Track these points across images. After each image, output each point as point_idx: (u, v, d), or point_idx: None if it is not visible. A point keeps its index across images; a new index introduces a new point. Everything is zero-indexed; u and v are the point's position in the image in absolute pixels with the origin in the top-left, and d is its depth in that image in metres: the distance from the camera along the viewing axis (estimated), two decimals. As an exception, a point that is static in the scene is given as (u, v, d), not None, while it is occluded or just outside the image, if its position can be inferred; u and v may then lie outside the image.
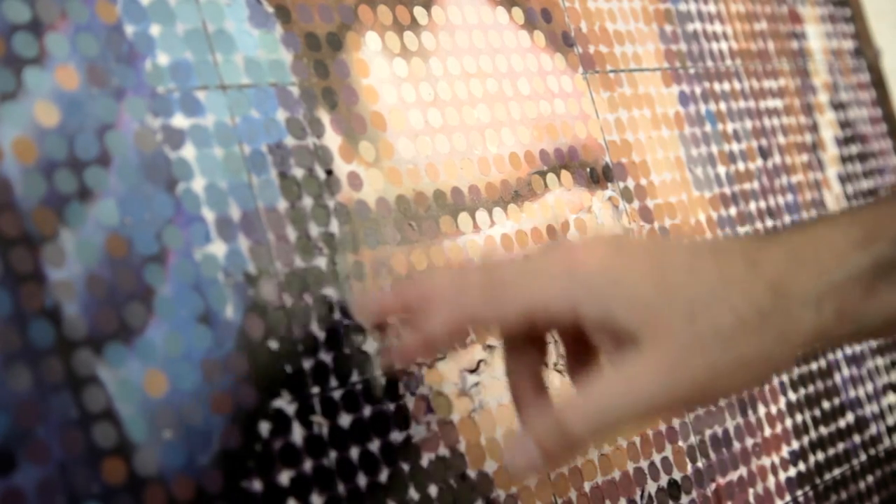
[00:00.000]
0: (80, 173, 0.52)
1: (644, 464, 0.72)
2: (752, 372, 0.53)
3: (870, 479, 0.89)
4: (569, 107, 0.76)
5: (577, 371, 0.56)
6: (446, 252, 0.66)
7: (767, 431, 0.82)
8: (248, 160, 0.58)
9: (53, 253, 0.50)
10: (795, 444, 0.84)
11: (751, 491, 0.79)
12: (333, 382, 0.58)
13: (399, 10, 0.68)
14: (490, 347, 0.64)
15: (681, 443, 0.75)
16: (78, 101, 0.53)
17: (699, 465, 0.76)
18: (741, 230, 0.86)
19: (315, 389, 0.58)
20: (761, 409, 0.82)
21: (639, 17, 0.84)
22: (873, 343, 0.95)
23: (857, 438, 0.90)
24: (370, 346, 0.60)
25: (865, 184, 1.01)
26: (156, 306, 0.53)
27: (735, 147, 0.88)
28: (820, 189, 0.96)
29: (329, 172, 0.62)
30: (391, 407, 0.60)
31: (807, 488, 0.83)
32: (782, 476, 0.82)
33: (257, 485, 0.54)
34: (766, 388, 0.83)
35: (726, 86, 0.90)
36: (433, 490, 0.61)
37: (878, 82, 1.07)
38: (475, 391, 0.64)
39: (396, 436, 0.60)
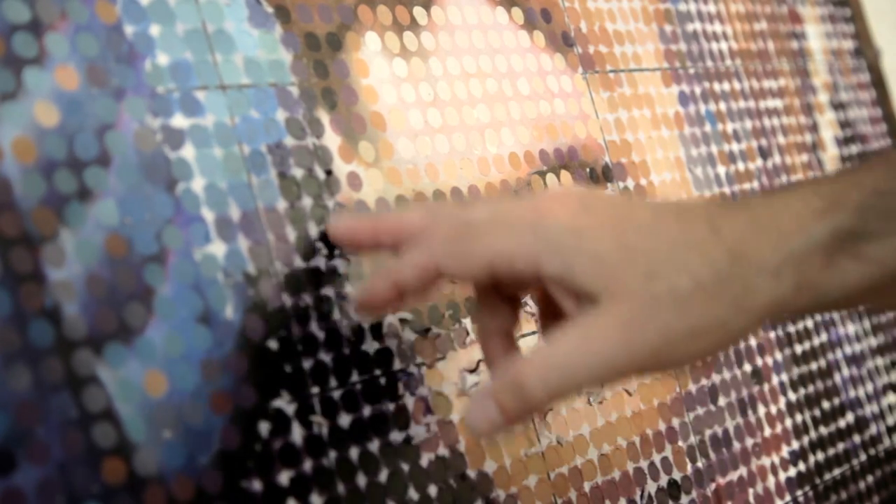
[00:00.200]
0: (79, 173, 0.52)
1: (644, 464, 0.72)
2: (707, 339, 0.52)
3: (870, 479, 0.89)
4: (568, 107, 0.76)
5: (548, 328, 0.56)
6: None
7: (767, 431, 0.82)
8: (248, 160, 0.58)
9: (53, 253, 0.50)
10: (795, 444, 0.84)
11: (751, 491, 0.79)
12: (333, 382, 0.59)
13: (399, 11, 0.68)
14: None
15: (681, 443, 0.75)
16: (78, 101, 0.53)
17: (699, 465, 0.76)
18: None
19: (315, 389, 0.58)
20: (761, 409, 0.82)
21: (639, 17, 0.84)
22: (873, 343, 0.95)
23: (857, 438, 0.90)
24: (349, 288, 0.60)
25: (865, 184, 1.01)
26: (156, 306, 0.53)
27: (735, 147, 0.88)
28: (820, 189, 0.95)
29: (329, 172, 0.62)
30: (391, 407, 0.60)
31: (807, 488, 0.83)
32: (782, 476, 0.82)
33: (257, 485, 0.54)
34: (766, 388, 0.83)
35: (726, 86, 0.90)
36: (433, 490, 0.61)
37: (878, 82, 1.07)
38: (475, 391, 0.64)
39: (396, 436, 0.60)
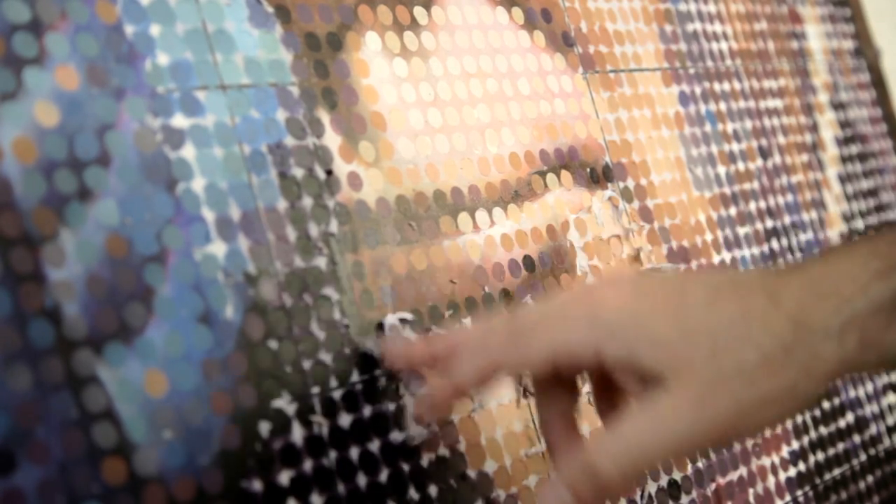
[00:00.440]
0: (80, 173, 0.52)
1: (644, 464, 0.72)
2: (778, 407, 0.53)
3: (870, 479, 0.89)
4: (569, 107, 0.76)
5: (606, 411, 0.57)
6: (446, 252, 0.66)
7: (767, 431, 0.82)
8: (248, 160, 0.58)
9: (53, 253, 0.50)
10: (795, 444, 0.84)
11: (751, 491, 0.79)
12: (333, 382, 0.58)
13: (399, 10, 0.68)
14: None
15: (681, 443, 0.75)
16: (78, 101, 0.53)
17: (699, 465, 0.76)
18: (741, 230, 0.86)
19: (315, 389, 0.58)
20: (761, 409, 0.82)
21: (639, 17, 0.84)
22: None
23: (857, 438, 0.90)
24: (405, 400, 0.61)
25: (865, 184, 1.01)
26: (156, 306, 0.53)
27: (735, 147, 0.88)
28: (820, 189, 0.96)
29: (329, 172, 0.62)
30: (391, 407, 0.60)
31: (807, 488, 0.83)
32: (782, 476, 0.82)
33: (257, 485, 0.54)
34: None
35: (726, 86, 0.90)
36: (433, 490, 0.61)
37: (878, 82, 1.07)
38: (475, 391, 0.64)
39: (396, 436, 0.60)
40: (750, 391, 0.52)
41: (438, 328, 0.64)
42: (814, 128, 0.98)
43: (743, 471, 0.79)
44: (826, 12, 1.04)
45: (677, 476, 0.74)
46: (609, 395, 0.56)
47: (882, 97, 1.07)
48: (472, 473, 0.63)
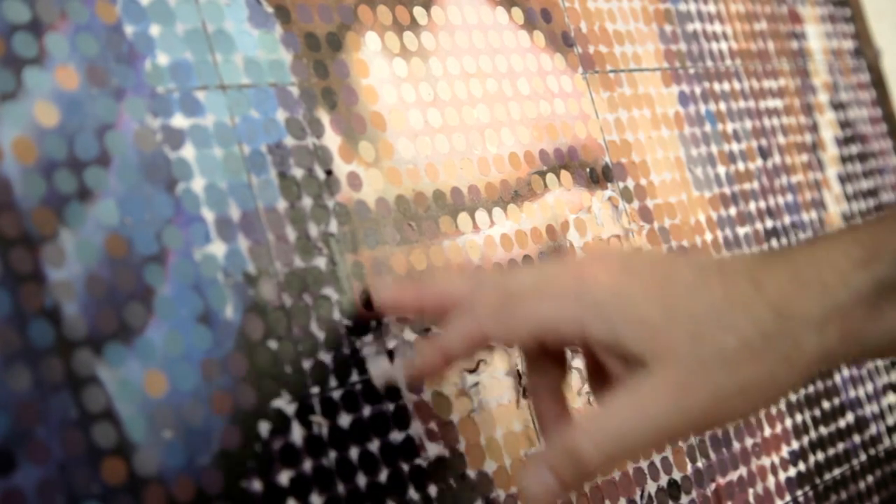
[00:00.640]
0: (79, 173, 0.52)
1: (644, 464, 0.72)
2: (757, 395, 0.53)
3: (870, 479, 0.89)
4: (569, 107, 0.76)
5: (598, 387, 0.57)
6: (446, 252, 0.66)
7: (767, 431, 0.82)
8: (248, 160, 0.58)
9: (53, 253, 0.50)
10: (795, 444, 0.84)
11: (751, 491, 0.79)
12: (333, 382, 0.59)
13: (399, 11, 0.68)
14: (490, 347, 0.64)
15: (681, 443, 0.75)
16: (78, 101, 0.53)
17: (699, 465, 0.76)
18: (741, 230, 0.86)
19: (315, 389, 0.58)
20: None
21: (639, 17, 0.84)
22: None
23: (857, 438, 0.90)
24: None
25: (865, 184, 1.01)
26: (156, 306, 0.53)
27: (735, 147, 0.88)
28: (820, 189, 0.96)
29: (329, 172, 0.62)
30: (391, 407, 0.60)
31: (807, 488, 0.83)
32: (782, 476, 0.82)
33: (257, 485, 0.54)
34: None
35: (726, 86, 0.90)
36: (433, 490, 0.61)
37: (878, 82, 1.07)
38: (475, 391, 0.64)
39: (396, 436, 0.60)
40: (729, 378, 0.52)
41: (438, 328, 0.64)
42: (814, 128, 0.98)
43: (743, 471, 0.79)
44: (826, 12, 1.04)
45: (677, 476, 0.74)
46: (600, 371, 0.56)
47: (882, 97, 1.07)
48: (472, 473, 0.63)
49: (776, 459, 0.82)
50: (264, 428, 0.55)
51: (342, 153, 0.63)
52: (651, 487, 0.72)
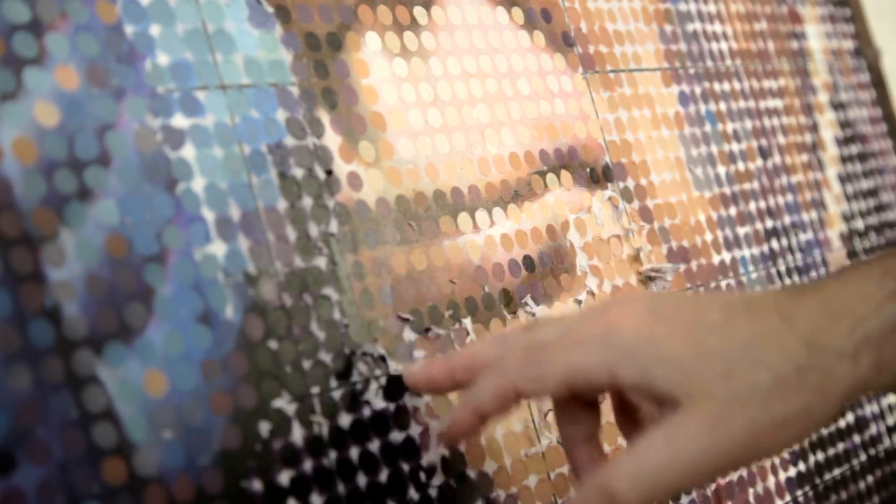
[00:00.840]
0: (80, 173, 0.52)
1: (644, 464, 0.72)
2: (793, 429, 0.53)
3: (870, 479, 0.89)
4: (569, 107, 0.76)
5: (628, 429, 0.57)
6: (446, 252, 0.66)
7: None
8: (248, 160, 0.58)
9: (53, 253, 0.50)
10: (795, 445, 0.84)
11: (751, 491, 0.79)
12: (333, 382, 0.59)
13: (399, 11, 0.68)
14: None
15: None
16: (78, 101, 0.53)
17: (699, 465, 0.75)
18: (741, 230, 0.86)
19: (315, 389, 0.58)
20: (761, 409, 0.82)
21: (639, 17, 0.84)
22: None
23: (857, 438, 0.90)
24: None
25: (865, 184, 1.01)
26: (156, 306, 0.53)
27: (735, 147, 0.88)
28: (820, 189, 0.96)
29: (329, 172, 0.62)
30: (391, 407, 0.60)
31: (807, 488, 0.83)
32: (782, 476, 0.82)
33: (257, 485, 0.54)
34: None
35: (726, 86, 0.90)
36: (433, 490, 0.61)
37: (878, 82, 1.07)
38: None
39: (396, 436, 0.60)
40: (764, 413, 0.51)
41: (438, 328, 0.64)
42: (814, 128, 0.98)
43: (743, 471, 0.79)
44: (826, 12, 1.04)
45: (677, 476, 0.74)
46: (630, 413, 0.57)
47: (882, 97, 1.07)
48: (472, 473, 0.63)
49: (776, 459, 0.82)
50: (264, 428, 0.55)
51: (342, 153, 0.63)
52: (651, 487, 0.71)
